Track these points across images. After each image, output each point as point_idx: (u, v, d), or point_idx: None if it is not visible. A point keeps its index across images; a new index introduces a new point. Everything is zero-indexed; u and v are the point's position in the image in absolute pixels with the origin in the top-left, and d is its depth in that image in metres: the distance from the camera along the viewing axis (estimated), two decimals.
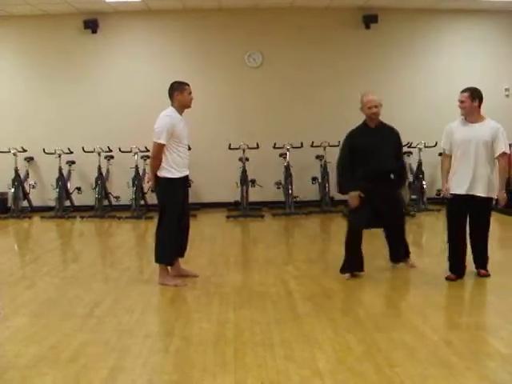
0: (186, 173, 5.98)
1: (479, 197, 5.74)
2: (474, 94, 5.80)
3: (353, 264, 6.07)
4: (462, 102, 5.84)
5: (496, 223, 9.61)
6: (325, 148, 10.66)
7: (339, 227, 9.53)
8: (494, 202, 6.01)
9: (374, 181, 5.94)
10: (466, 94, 5.83)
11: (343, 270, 6.08)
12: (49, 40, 11.01)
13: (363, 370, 3.79)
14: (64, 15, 10.85)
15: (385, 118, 6.16)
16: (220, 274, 6.34)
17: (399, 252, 6.36)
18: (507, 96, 11.55)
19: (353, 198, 5.98)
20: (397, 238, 6.32)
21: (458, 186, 5.83)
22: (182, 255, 6.21)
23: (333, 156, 10.52)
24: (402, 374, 3.70)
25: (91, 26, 10.87)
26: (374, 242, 6.81)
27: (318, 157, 10.79)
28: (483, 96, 5.85)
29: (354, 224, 6.10)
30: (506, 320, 4.74)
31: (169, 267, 6.06)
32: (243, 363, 3.91)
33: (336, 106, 11.04)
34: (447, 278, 5.86)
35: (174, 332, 4.57)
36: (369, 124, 6.07)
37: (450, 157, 5.99)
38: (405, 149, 10.83)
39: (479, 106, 5.84)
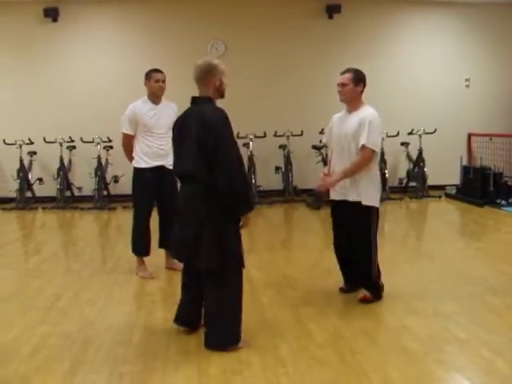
0: (158, 163, 5.80)
1: (352, 202, 4.76)
2: (358, 76, 4.74)
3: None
4: (342, 85, 4.71)
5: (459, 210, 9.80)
6: (288, 137, 10.69)
7: (302, 216, 9.63)
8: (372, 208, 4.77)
9: None
10: (347, 76, 4.72)
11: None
12: (7, 29, 10.75)
13: (325, 357, 3.84)
14: (23, 3, 10.63)
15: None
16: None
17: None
18: (467, 86, 11.70)
19: None
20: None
21: (331, 190, 4.91)
22: (167, 248, 6.04)
23: (296, 145, 10.67)
24: (364, 361, 3.76)
25: (51, 14, 10.66)
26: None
27: (281, 146, 10.81)
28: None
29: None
30: (462, 306, 4.84)
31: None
32: (206, 353, 3.92)
33: (299, 95, 11.08)
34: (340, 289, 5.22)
35: (136, 323, 4.56)
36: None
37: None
38: None
39: (362, 92, 4.80)
